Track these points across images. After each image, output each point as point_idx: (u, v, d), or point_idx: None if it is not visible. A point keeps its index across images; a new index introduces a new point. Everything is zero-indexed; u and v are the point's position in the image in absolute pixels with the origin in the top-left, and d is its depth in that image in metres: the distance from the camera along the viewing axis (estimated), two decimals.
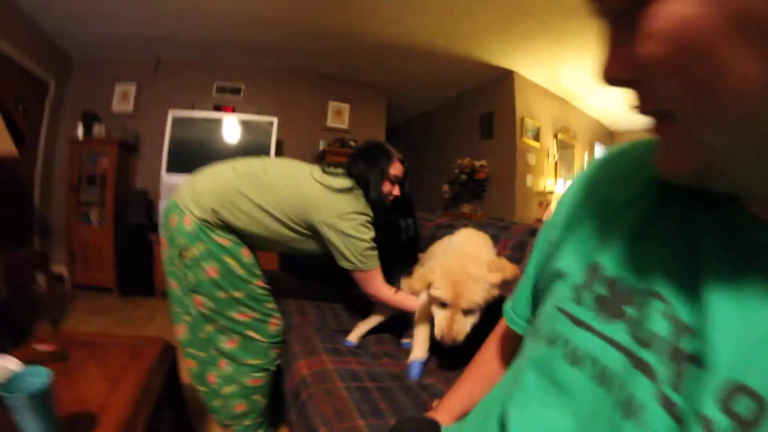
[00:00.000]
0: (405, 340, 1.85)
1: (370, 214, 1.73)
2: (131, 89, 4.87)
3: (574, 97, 5.79)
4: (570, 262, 0.54)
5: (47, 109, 4.47)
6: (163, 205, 3.87)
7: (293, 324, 1.94)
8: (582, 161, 6.35)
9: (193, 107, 4.60)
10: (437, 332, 1.32)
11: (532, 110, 5.13)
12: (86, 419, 1.10)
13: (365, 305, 1.95)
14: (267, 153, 4.46)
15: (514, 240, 1.71)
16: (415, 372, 1.47)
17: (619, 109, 6.24)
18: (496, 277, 1.33)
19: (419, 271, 1.39)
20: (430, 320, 1.42)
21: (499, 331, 0.85)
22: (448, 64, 4.91)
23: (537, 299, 0.67)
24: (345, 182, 1.72)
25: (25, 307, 3.53)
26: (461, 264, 1.36)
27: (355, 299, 2.20)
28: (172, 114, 4.34)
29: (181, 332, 1.72)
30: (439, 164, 6.32)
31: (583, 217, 0.55)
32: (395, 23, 4.03)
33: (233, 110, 4.75)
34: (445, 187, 5.41)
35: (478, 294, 1.30)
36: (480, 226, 1.92)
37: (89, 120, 4.45)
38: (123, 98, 4.86)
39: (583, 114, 6.38)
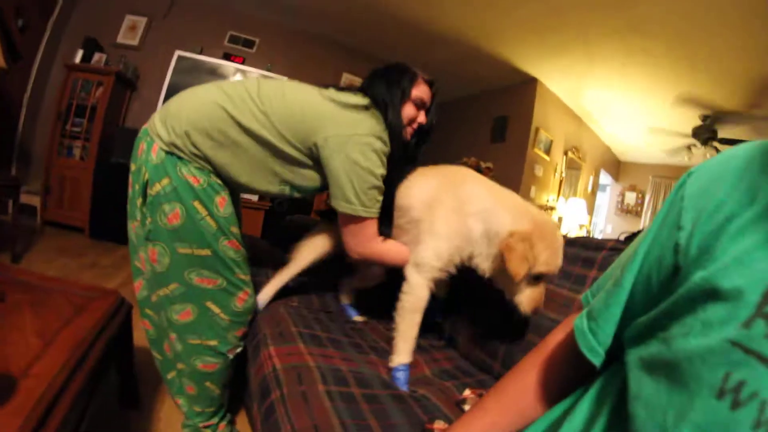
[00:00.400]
0: (345, 302, 1.80)
1: (388, 142, 1.35)
2: (141, 23, 4.61)
3: (591, 118, 5.68)
4: (742, 279, 0.36)
5: (49, 29, 4.23)
6: None
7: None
8: (586, 184, 6.25)
9: (201, 52, 4.37)
10: (530, 308, 1.21)
11: (547, 122, 4.98)
12: (1, 385, 0.88)
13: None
14: None
15: None
16: (403, 379, 1.26)
17: (632, 140, 6.15)
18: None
19: (518, 251, 1.14)
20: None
21: (545, 353, 0.68)
22: (473, 59, 4.73)
23: (626, 321, 0.52)
24: (362, 100, 1.37)
25: None
26: (547, 225, 1.22)
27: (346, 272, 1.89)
28: (178, 53, 4.13)
29: (139, 289, 1.45)
30: (444, 159, 6.03)
31: (753, 220, 0.38)
32: (430, 5, 3.84)
33: (242, 62, 4.51)
34: None
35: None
36: None
37: (90, 47, 4.22)
38: (130, 30, 4.60)
39: (595, 137, 6.28)
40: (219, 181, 1.34)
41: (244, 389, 1.46)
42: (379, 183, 1.34)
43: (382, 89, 1.40)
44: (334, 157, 1.29)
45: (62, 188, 4.04)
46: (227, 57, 4.58)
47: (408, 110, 1.44)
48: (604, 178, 7.30)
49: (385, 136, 1.34)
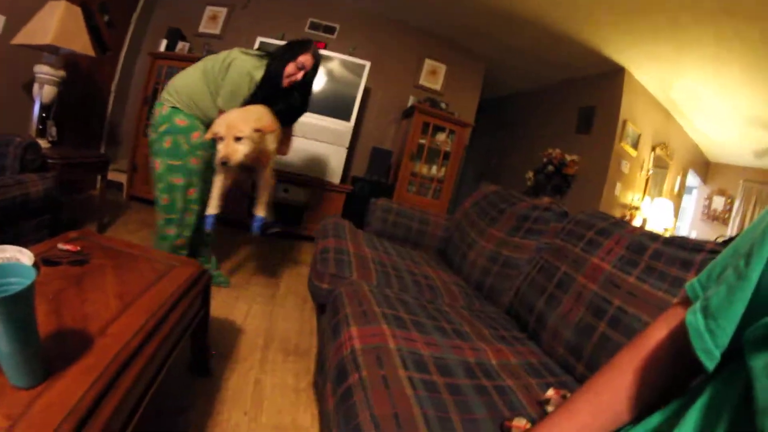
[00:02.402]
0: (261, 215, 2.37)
1: (258, 77, 2.22)
2: (221, 13, 4.75)
3: (680, 112, 5.26)
4: None
5: (133, 23, 4.48)
6: None
7: (348, 278, 1.72)
8: (672, 185, 5.82)
9: (283, 38, 4.43)
10: (218, 157, 1.97)
11: (635, 115, 4.65)
12: (77, 342, 0.88)
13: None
14: (353, 98, 4.29)
15: (629, 240, 1.43)
16: (209, 223, 2.24)
17: (723, 138, 5.66)
18: (255, 123, 1.98)
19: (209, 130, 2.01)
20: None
21: (644, 351, 0.59)
22: (557, 46, 4.50)
23: (748, 320, 0.44)
24: (259, 54, 2.30)
25: (75, 206, 3.54)
26: (232, 113, 2.03)
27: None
28: (259, 39, 4.21)
29: None
30: (527, 149, 5.93)
31: None
32: None
33: (324, 47, 4.54)
34: (530, 174, 5.04)
35: (242, 130, 1.94)
36: (587, 216, 1.72)
37: (174, 36, 4.40)
38: (211, 20, 4.76)
39: (684, 133, 5.84)
40: (197, 122, 2.27)
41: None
42: (232, 88, 2.20)
43: (280, 50, 2.29)
44: (227, 73, 2.20)
45: (147, 167, 4.21)
46: None
47: (290, 68, 2.25)
48: (692, 179, 6.76)
49: (257, 73, 2.22)
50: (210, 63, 2.28)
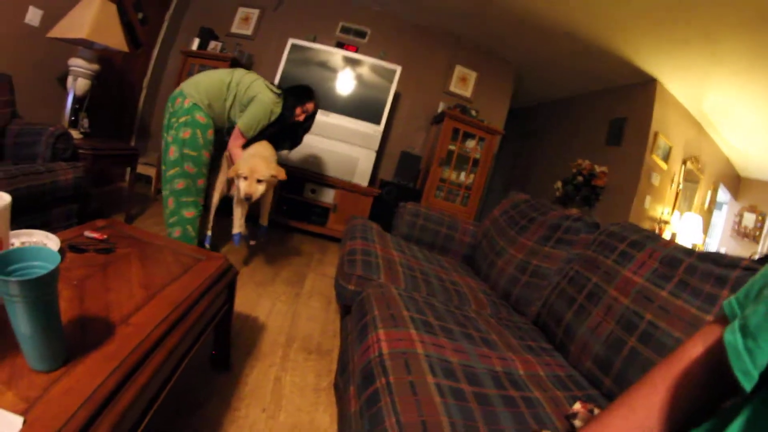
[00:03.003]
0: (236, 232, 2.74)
1: (276, 112, 2.69)
2: (253, 14, 4.80)
3: (712, 125, 5.12)
4: None
5: (166, 21, 4.57)
6: None
7: (375, 280, 1.70)
8: (703, 200, 5.67)
9: (314, 41, 4.45)
10: (245, 193, 2.36)
11: (667, 127, 4.53)
12: (99, 329, 0.87)
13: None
14: (383, 102, 4.28)
15: (663, 253, 1.38)
16: (236, 239, 2.68)
17: (756, 152, 5.49)
18: (273, 170, 2.43)
19: (233, 167, 2.43)
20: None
21: (679, 367, 0.57)
22: (589, 55, 4.42)
23: None
24: (279, 92, 2.72)
25: (104, 197, 3.59)
26: (255, 157, 2.44)
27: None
28: (291, 41, 4.23)
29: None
30: (554, 159, 5.85)
31: None
32: None
33: (356, 50, 4.57)
34: (558, 184, 4.95)
35: (264, 174, 2.37)
36: (619, 227, 1.68)
37: (206, 36, 4.44)
38: (243, 21, 4.81)
39: (715, 147, 5.68)
40: (211, 122, 2.57)
41: None
42: (258, 123, 2.63)
43: (293, 93, 2.78)
44: (252, 102, 2.60)
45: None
46: (340, 46, 4.61)
47: (297, 110, 2.78)
48: (722, 194, 6.54)
49: (277, 109, 2.69)
50: (236, 80, 2.63)
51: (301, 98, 2.79)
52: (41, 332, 0.69)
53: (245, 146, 2.66)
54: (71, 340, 0.79)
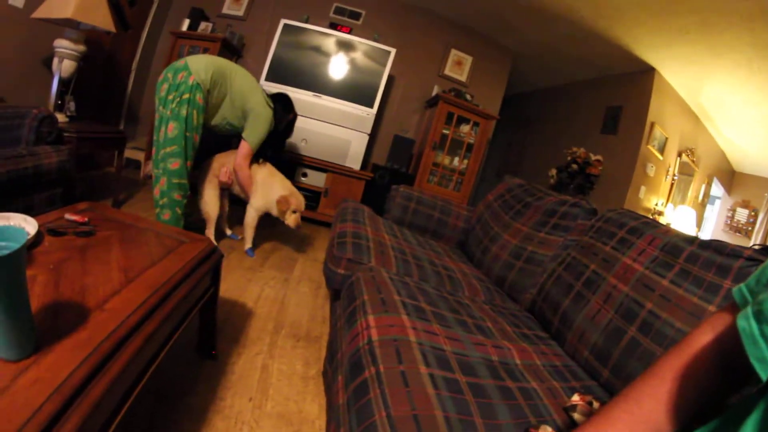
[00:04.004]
0: (229, 232, 3.12)
1: (272, 124, 2.81)
2: None
3: (708, 118, 5.11)
4: None
5: (156, 2, 4.47)
6: None
7: (365, 264, 1.66)
8: (697, 193, 5.66)
9: (307, 21, 4.37)
10: (296, 224, 2.78)
11: (663, 118, 4.51)
12: (72, 315, 0.82)
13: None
14: (376, 85, 4.21)
15: (663, 241, 1.34)
16: (251, 253, 2.88)
17: (751, 147, 5.49)
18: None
19: (281, 201, 2.72)
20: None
21: (687, 357, 0.55)
22: (587, 42, 4.38)
23: None
24: (272, 105, 2.82)
25: (91, 182, 3.52)
26: (291, 188, 2.82)
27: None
28: (284, 21, 4.15)
29: (153, 153, 2.51)
30: (549, 147, 5.83)
31: None
32: None
33: (349, 32, 4.49)
34: (553, 172, 4.92)
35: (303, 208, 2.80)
36: (617, 214, 1.63)
37: (196, 16, 4.35)
38: (235, 1, 4.71)
39: (711, 140, 5.68)
40: (205, 107, 2.52)
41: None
42: (262, 136, 2.75)
43: (280, 103, 2.90)
44: (253, 114, 2.70)
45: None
46: (333, 27, 4.52)
47: (284, 121, 2.95)
48: (715, 189, 6.56)
49: (272, 120, 2.80)
50: (239, 81, 2.68)
51: (286, 108, 2.94)
52: (7, 318, 0.64)
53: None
54: (42, 327, 0.74)
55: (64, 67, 2.80)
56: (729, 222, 6.73)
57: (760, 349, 0.43)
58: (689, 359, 0.55)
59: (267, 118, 2.71)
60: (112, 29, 2.89)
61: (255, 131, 2.68)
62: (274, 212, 2.79)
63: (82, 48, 2.83)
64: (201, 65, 2.47)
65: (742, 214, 6.59)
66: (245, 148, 2.68)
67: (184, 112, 2.39)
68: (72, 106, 2.98)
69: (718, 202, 7.00)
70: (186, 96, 2.39)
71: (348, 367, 1.00)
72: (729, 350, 0.51)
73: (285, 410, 1.46)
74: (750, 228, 6.42)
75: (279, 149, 3.15)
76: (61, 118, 2.72)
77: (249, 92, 2.67)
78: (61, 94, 2.89)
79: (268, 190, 2.79)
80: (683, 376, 0.54)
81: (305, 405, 1.51)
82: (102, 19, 2.79)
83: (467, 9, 4.73)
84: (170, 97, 2.40)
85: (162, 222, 2.43)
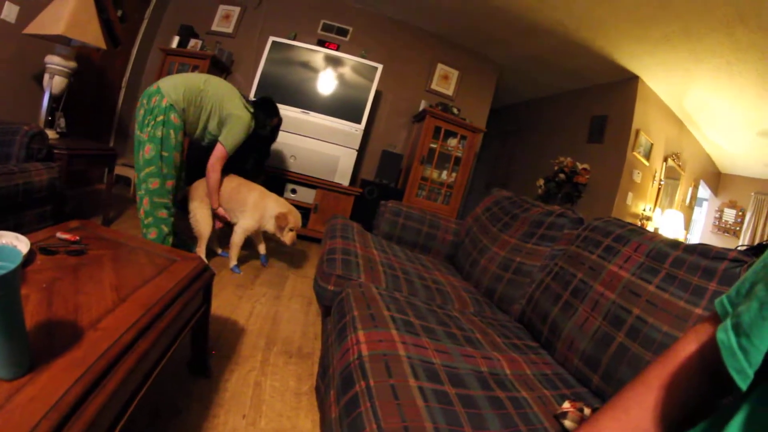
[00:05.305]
0: (220, 251, 3.15)
1: (252, 128, 2.81)
2: (234, 12, 4.74)
3: (693, 123, 5.21)
4: None
5: (146, 18, 4.48)
6: None
7: (355, 280, 1.67)
8: (684, 196, 5.74)
9: (295, 38, 4.41)
10: (292, 242, 2.86)
11: (648, 125, 4.58)
12: (66, 334, 0.82)
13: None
14: (364, 101, 4.25)
15: (649, 247, 1.37)
16: (237, 269, 2.88)
17: (736, 149, 5.58)
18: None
19: (280, 217, 2.79)
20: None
21: (672, 366, 0.56)
22: (571, 54, 4.45)
23: None
24: (252, 110, 2.82)
25: (81, 199, 3.51)
26: (289, 206, 2.89)
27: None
28: (272, 39, 4.19)
29: (136, 175, 2.56)
30: (536, 157, 5.87)
31: None
32: None
33: (337, 48, 4.52)
34: (540, 182, 4.97)
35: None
36: (603, 222, 1.66)
37: (186, 34, 4.38)
38: (224, 19, 4.74)
39: (696, 144, 5.78)
40: (183, 125, 2.59)
41: None
42: (238, 139, 2.73)
43: (262, 109, 2.94)
44: (230, 118, 2.68)
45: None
46: (321, 44, 4.57)
47: (268, 125, 3.03)
48: (702, 191, 6.66)
49: (252, 124, 2.80)
50: (213, 90, 2.67)
51: (270, 112, 3.00)
52: (3, 338, 0.65)
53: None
54: (37, 346, 0.75)
55: (54, 83, 2.81)
56: (717, 223, 6.83)
57: (738, 360, 0.44)
58: (675, 368, 0.56)
59: (244, 122, 2.71)
60: (102, 46, 2.90)
61: (231, 134, 2.68)
62: (270, 229, 2.85)
63: (73, 64, 2.85)
64: (171, 86, 2.53)
65: (729, 215, 6.69)
66: (220, 150, 2.69)
67: (159, 133, 2.46)
68: (62, 122, 2.99)
69: (705, 203, 7.08)
70: (160, 118, 2.46)
71: (339, 382, 1.02)
72: (712, 360, 0.51)
73: (279, 426, 1.46)
74: (738, 228, 6.53)
75: (264, 156, 3.24)
76: (51, 134, 2.72)
77: (225, 99, 2.68)
78: (51, 110, 2.89)
79: (262, 211, 2.83)
80: (669, 384, 0.55)
81: (299, 421, 1.51)
82: (93, 35, 2.81)
83: (453, 24, 4.79)
84: (146, 121, 2.47)
85: (149, 240, 2.44)
